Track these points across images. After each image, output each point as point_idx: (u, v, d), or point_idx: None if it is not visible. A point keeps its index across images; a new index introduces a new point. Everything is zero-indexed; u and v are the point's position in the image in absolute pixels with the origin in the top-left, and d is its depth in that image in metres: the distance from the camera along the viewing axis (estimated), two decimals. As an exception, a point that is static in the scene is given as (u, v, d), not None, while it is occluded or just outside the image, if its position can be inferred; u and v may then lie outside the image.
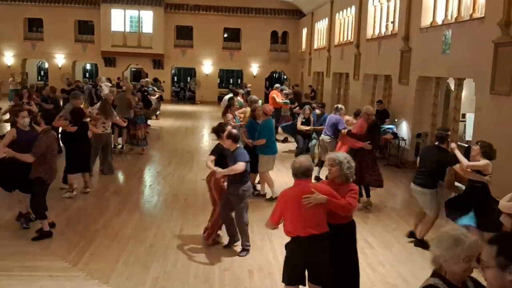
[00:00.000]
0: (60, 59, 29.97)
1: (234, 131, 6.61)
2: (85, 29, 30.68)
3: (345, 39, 20.09)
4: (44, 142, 6.56)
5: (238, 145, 6.48)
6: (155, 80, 23.14)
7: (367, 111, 9.00)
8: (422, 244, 6.74)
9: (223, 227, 6.72)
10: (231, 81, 34.13)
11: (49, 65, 30.56)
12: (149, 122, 18.31)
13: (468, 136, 10.56)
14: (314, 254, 4.39)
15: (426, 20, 12.19)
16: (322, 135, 10.56)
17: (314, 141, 11.77)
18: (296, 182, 4.53)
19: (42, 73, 34.24)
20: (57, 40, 29.42)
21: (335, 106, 10.87)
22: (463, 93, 11.35)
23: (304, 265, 4.46)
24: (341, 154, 4.86)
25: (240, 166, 6.18)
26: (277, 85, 18.17)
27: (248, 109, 11.07)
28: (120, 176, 10.79)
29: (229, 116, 10.50)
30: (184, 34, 31.14)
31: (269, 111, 9.20)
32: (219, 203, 6.58)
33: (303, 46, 28.98)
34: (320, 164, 10.44)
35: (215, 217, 6.68)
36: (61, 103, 14.07)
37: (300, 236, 4.36)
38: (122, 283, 5.47)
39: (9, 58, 29.62)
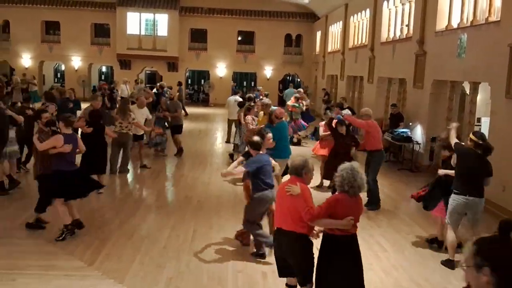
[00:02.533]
0: (76, 61, 30.35)
1: (256, 138, 6.57)
2: (101, 32, 31.03)
3: (359, 42, 20.05)
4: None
5: (258, 152, 6.47)
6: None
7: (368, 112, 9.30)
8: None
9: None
10: (244, 83, 34.21)
11: (66, 67, 30.94)
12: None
13: (483, 140, 10.47)
14: (282, 248, 4.71)
15: (441, 24, 12.13)
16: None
17: None
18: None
19: (58, 75, 34.69)
20: (73, 42, 29.80)
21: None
22: (478, 97, 11.25)
23: (281, 257, 4.78)
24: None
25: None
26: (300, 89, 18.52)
27: (261, 113, 11.19)
28: (135, 177, 10.89)
29: (249, 118, 10.68)
30: (199, 37, 31.31)
31: (279, 114, 9.25)
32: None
33: (317, 49, 28.96)
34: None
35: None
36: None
37: (277, 227, 4.77)
38: (136, 283, 5.54)
39: (27, 60, 30.07)
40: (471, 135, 6.38)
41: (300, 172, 4.70)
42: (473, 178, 6.12)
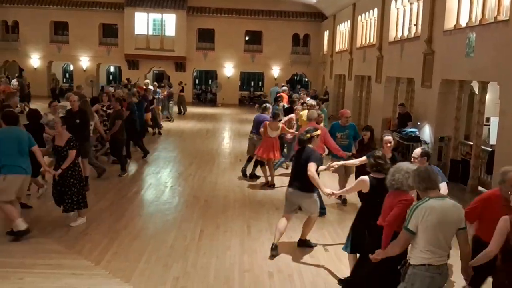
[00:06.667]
0: (84, 61, 30.52)
1: None
2: (109, 32, 31.19)
3: (367, 41, 19.97)
4: None
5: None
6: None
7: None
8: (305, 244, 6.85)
9: None
10: (252, 83, 34.27)
11: (74, 67, 31.14)
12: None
13: (492, 141, 10.39)
14: None
15: (449, 23, 12.05)
16: (251, 134, 10.88)
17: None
18: None
19: (67, 75, 34.91)
20: (82, 43, 29.99)
21: (263, 105, 10.94)
22: (487, 97, 11.16)
23: None
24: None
25: None
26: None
27: (305, 112, 10.88)
28: (142, 176, 10.92)
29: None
30: (206, 37, 31.38)
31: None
32: None
33: (325, 48, 28.90)
34: (249, 159, 10.97)
35: None
36: None
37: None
38: (143, 282, 5.55)
39: (36, 60, 30.30)
40: None
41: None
42: None
